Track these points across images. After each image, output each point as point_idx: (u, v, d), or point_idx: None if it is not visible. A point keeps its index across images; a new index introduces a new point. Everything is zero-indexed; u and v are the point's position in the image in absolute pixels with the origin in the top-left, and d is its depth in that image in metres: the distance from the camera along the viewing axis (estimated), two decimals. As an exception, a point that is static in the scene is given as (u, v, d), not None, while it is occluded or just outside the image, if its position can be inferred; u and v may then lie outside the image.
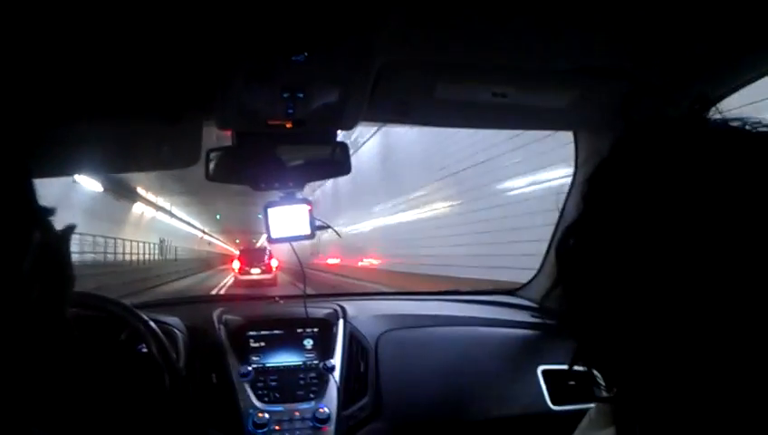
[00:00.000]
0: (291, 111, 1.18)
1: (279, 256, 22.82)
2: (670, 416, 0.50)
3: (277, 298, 1.95)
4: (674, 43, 1.10)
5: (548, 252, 1.87)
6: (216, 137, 1.43)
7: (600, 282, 0.53)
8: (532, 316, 1.83)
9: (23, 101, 1.11)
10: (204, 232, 55.40)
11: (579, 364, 0.64)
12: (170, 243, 37.22)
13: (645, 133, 0.56)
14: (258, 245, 49.05)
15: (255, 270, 21.44)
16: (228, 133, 1.36)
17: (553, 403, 1.54)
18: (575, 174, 1.66)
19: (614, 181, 0.55)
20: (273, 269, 21.77)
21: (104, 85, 1.14)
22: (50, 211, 0.75)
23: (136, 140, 1.37)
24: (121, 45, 1.00)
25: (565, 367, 1.55)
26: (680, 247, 0.47)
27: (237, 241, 65.45)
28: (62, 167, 1.41)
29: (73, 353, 0.86)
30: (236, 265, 22.61)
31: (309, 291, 1.82)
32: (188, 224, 43.99)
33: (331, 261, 18.83)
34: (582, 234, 0.56)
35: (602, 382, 0.60)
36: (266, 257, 22.01)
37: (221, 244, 71.77)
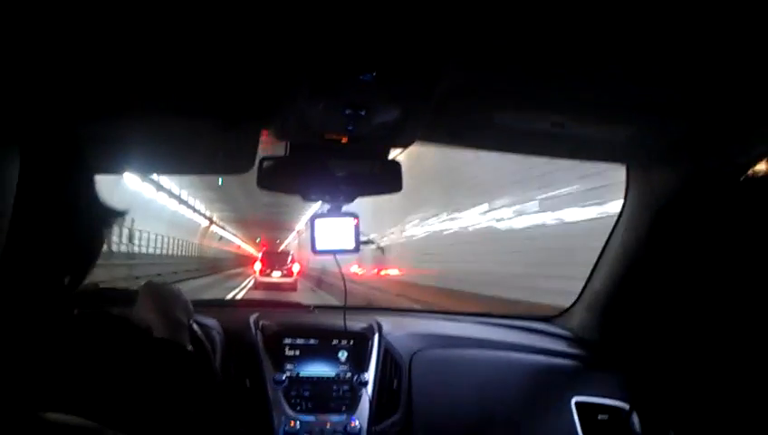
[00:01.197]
0: (350, 127, 1.19)
1: (299, 261, 22.93)
2: None
3: (313, 307, 1.96)
4: (737, 84, 1.09)
5: (588, 281, 1.85)
6: (265, 144, 1.45)
7: (646, 316, 0.53)
8: (568, 346, 1.81)
9: (82, 96, 1.13)
10: (211, 221, 42.50)
11: (619, 400, 0.63)
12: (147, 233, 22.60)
13: (705, 181, 0.56)
14: (281, 248, 48.99)
15: (276, 273, 21.50)
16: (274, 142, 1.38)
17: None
18: (624, 207, 1.64)
19: (671, 223, 0.55)
20: (295, 274, 21.82)
21: (166, 86, 1.16)
22: (121, 212, 0.77)
23: (193, 143, 1.39)
24: (191, 45, 1.02)
25: (600, 401, 1.54)
26: (728, 293, 0.47)
27: (258, 240, 64.57)
28: (113, 164, 1.44)
29: (108, 347, 0.87)
30: (258, 266, 22.70)
31: (328, 299, 1.83)
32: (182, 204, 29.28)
33: (354, 270, 18.77)
34: (634, 268, 0.56)
35: (637, 422, 0.60)
36: (289, 261, 22.08)
37: (239, 242, 69.59)
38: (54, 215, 0.66)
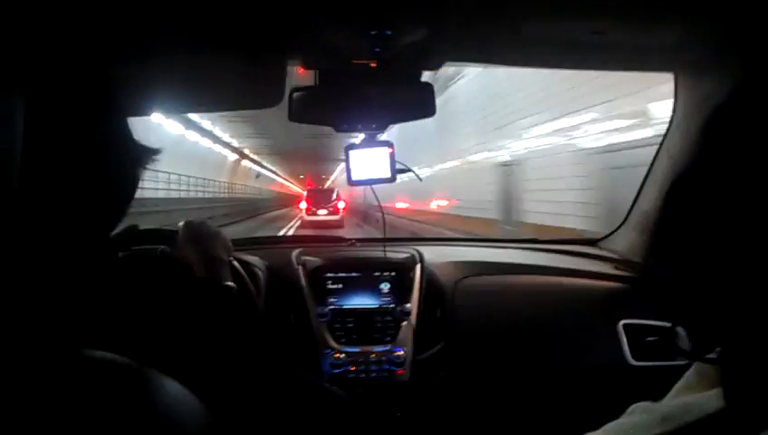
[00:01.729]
0: (377, 49, 1.14)
1: (345, 198, 23.03)
2: None
3: (354, 241, 1.96)
4: None
5: (635, 203, 1.79)
6: (296, 76, 1.42)
7: (718, 234, 0.49)
8: (615, 268, 1.76)
9: (107, 36, 1.11)
10: (242, 155, 37.81)
11: (668, 321, 0.60)
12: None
13: (759, 85, 0.50)
14: (327, 184, 48.95)
15: (322, 211, 21.74)
16: (303, 72, 1.34)
17: (634, 358, 1.50)
18: (673, 117, 1.56)
19: (725, 131, 0.50)
20: (341, 211, 22.02)
21: (186, 20, 1.13)
22: (155, 151, 0.76)
23: (220, 79, 1.36)
24: None
25: (648, 322, 1.50)
26: None
27: (302, 176, 64.94)
28: (142, 105, 1.43)
29: (153, 286, 0.87)
30: (303, 205, 22.96)
31: (373, 233, 1.82)
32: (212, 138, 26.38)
33: (399, 205, 18.76)
34: (688, 182, 0.52)
35: (687, 342, 0.57)
36: (334, 198, 22.24)
37: (281, 180, 70.11)
38: (88, 157, 0.65)
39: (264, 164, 51.65)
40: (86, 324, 0.65)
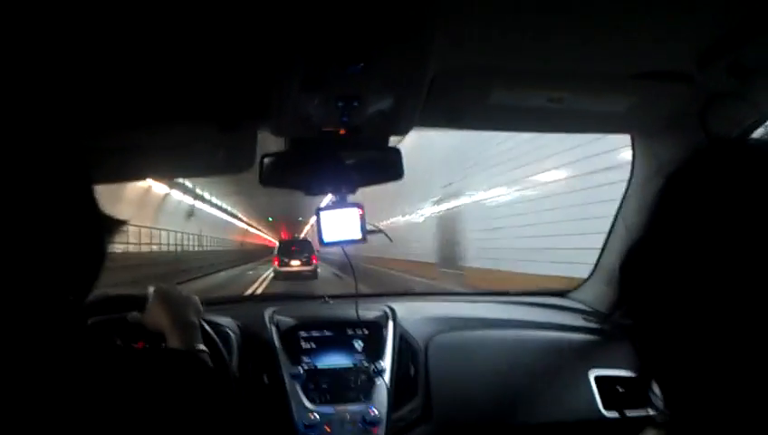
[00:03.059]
0: (345, 118, 1.18)
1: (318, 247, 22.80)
2: None
3: (327, 298, 1.96)
4: (739, 45, 1.06)
5: (601, 255, 1.84)
6: (267, 141, 1.45)
7: (676, 292, 0.52)
8: (585, 320, 1.80)
9: (80, 108, 1.14)
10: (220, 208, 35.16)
11: (637, 372, 0.62)
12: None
13: (728, 148, 0.54)
14: (302, 236, 46.59)
15: (295, 261, 21.46)
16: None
17: (606, 409, 1.52)
18: (631, 177, 1.62)
19: (679, 191, 0.54)
20: (315, 262, 21.77)
21: (162, 93, 1.17)
22: (122, 221, 0.78)
23: (192, 147, 1.39)
24: (178, 53, 1.02)
25: (619, 373, 1.53)
26: (742, 264, 0.45)
27: (270, 219, 60.57)
28: (119, 173, 1.44)
29: (119, 357, 0.87)
30: (275, 255, 22.65)
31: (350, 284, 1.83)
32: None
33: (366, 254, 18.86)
34: (658, 245, 0.55)
35: (658, 394, 0.59)
36: (307, 249, 21.96)
37: (264, 235, 66.87)
38: (54, 228, 0.67)
39: (252, 224, 49.93)
40: (52, 394, 0.65)
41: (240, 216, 45.45)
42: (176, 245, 24.75)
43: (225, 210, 37.90)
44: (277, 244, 24.63)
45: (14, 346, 0.63)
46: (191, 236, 28.56)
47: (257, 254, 49.83)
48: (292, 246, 22.65)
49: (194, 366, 1.09)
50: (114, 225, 0.78)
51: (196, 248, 30.28)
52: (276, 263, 21.69)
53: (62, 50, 0.95)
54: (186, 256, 25.47)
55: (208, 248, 34.61)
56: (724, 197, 0.48)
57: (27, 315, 0.66)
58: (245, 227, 53.67)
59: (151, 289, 1.22)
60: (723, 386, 0.48)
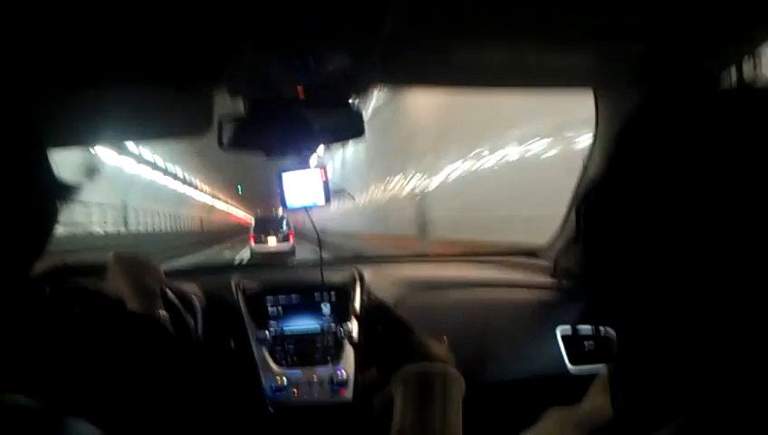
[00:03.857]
0: (302, 78, 1.16)
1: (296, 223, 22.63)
2: (670, 389, 0.49)
3: (293, 263, 1.96)
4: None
5: (568, 213, 1.85)
6: (228, 104, 1.42)
7: (622, 240, 0.52)
8: (553, 278, 1.81)
9: (29, 68, 1.10)
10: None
11: (595, 325, 0.63)
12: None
13: (673, 96, 0.54)
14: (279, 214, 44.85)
15: (272, 238, 21.21)
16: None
17: (572, 364, 1.54)
18: (596, 133, 1.62)
19: (641, 142, 0.53)
20: (292, 238, 21.51)
21: (112, 50, 1.13)
22: (74, 186, 0.75)
23: (147, 108, 1.35)
24: (130, 8, 0.99)
25: (584, 328, 1.55)
26: (703, 213, 0.45)
27: (258, 210, 59.17)
28: (72, 138, 1.40)
29: (80, 325, 0.86)
30: (251, 233, 22.32)
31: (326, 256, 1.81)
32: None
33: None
34: (607, 192, 0.55)
35: (616, 344, 0.59)
36: (284, 225, 21.70)
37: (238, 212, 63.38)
38: (4, 193, 0.65)
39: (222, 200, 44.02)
40: (8, 365, 0.64)
41: (200, 184, 37.15)
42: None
43: (172, 175, 30.48)
44: (252, 221, 24.35)
45: None
46: (106, 211, 21.32)
47: (227, 234, 41.78)
48: (268, 223, 22.35)
49: (152, 330, 1.08)
50: (69, 189, 0.76)
51: (113, 230, 22.10)
52: (252, 240, 21.46)
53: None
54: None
55: (143, 230, 26.78)
56: (693, 148, 0.48)
57: None
58: (207, 200, 45.21)
59: (110, 255, 1.20)
60: (672, 337, 0.49)
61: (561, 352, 1.56)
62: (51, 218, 0.73)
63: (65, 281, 1.22)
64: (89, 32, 1.04)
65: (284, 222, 21.97)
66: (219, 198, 47.79)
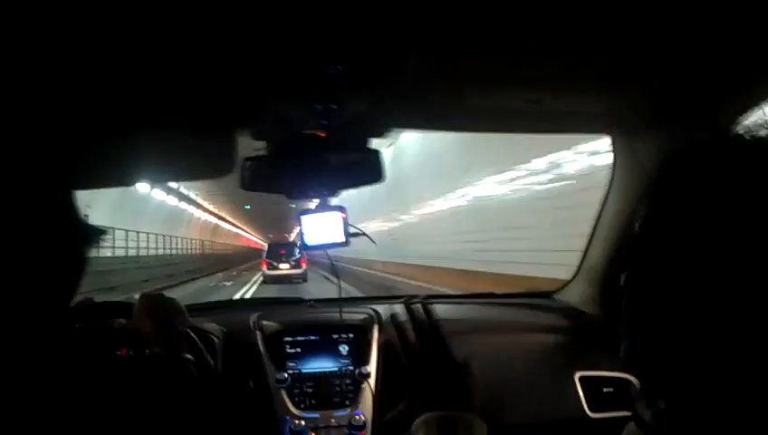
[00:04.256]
0: (324, 121, 1.18)
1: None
2: None
3: (311, 302, 1.96)
4: (713, 43, 1.07)
5: (584, 256, 1.84)
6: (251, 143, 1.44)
7: (650, 285, 0.52)
8: (570, 321, 1.80)
9: (56, 116, 1.13)
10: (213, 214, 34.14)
11: (621, 371, 0.62)
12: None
13: (694, 140, 0.54)
14: (291, 239, 41.28)
15: (284, 265, 21.34)
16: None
17: (590, 410, 1.52)
18: (612, 177, 1.63)
19: (665, 186, 0.53)
20: (304, 264, 21.64)
21: (139, 100, 1.16)
22: (102, 231, 0.77)
23: (172, 152, 1.38)
24: (156, 61, 1.02)
25: (604, 374, 1.53)
26: (732, 258, 0.45)
27: (270, 235, 55.61)
28: (98, 180, 1.43)
29: (102, 364, 0.87)
30: (264, 258, 22.47)
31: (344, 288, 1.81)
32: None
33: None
34: (632, 237, 0.55)
35: (639, 393, 0.59)
36: (296, 252, 21.76)
37: (253, 237, 63.39)
38: (36, 239, 0.66)
39: (241, 227, 45.84)
40: (39, 399, 0.64)
41: (203, 203, 34.64)
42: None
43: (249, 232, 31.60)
44: (266, 246, 24.42)
45: None
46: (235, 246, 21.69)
47: (236, 259, 42.23)
48: (281, 249, 22.41)
49: (177, 374, 1.09)
50: (95, 233, 0.77)
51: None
52: (265, 266, 21.57)
53: (41, 58, 0.95)
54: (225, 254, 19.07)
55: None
56: (716, 192, 0.48)
57: (9, 322, 0.65)
58: (250, 236, 47.41)
59: (137, 296, 1.21)
60: (705, 386, 0.48)
61: (579, 396, 1.54)
62: (79, 260, 0.75)
63: (91, 319, 1.24)
64: (119, 81, 1.07)
65: (297, 248, 22.02)
66: (227, 220, 46.75)
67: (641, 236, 0.54)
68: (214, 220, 38.91)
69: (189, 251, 33.32)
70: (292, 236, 50.03)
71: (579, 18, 0.96)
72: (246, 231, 58.86)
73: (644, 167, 1.44)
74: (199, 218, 33.99)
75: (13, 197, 0.63)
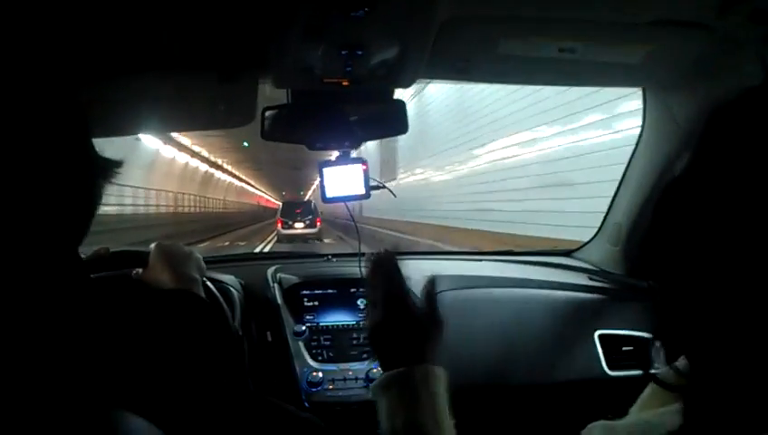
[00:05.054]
0: (348, 68, 1.14)
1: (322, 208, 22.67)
2: (748, 398, 0.46)
3: (330, 256, 1.95)
4: None
5: (608, 214, 1.81)
6: (270, 93, 1.41)
7: (682, 243, 0.49)
8: (590, 279, 1.78)
9: (76, 57, 1.10)
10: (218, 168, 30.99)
11: (641, 330, 0.60)
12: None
13: (732, 94, 0.51)
14: (306, 198, 40.01)
15: (299, 224, 21.44)
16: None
17: (610, 369, 1.51)
18: (642, 133, 1.58)
19: (702, 141, 0.50)
20: (319, 223, 21.73)
21: (159, 42, 1.13)
22: (118, 163, 0.75)
23: (191, 99, 1.36)
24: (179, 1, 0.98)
25: (624, 332, 1.52)
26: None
27: (284, 193, 54.76)
28: (118, 126, 1.42)
29: (124, 311, 0.86)
30: (279, 217, 22.56)
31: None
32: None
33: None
34: (673, 196, 0.52)
35: (660, 352, 0.57)
36: (312, 210, 21.87)
37: (266, 195, 61.20)
38: (47, 169, 0.65)
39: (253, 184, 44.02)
40: (58, 349, 0.64)
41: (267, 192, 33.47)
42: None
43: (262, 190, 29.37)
44: (280, 205, 24.42)
45: (17, 294, 0.61)
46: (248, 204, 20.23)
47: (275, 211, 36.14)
48: (296, 208, 22.50)
49: (196, 308, 1.07)
50: (111, 166, 0.76)
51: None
52: (280, 225, 21.67)
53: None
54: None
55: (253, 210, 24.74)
56: (745, 152, 0.45)
57: (28, 263, 0.64)
58: (263, 195, 45.14)
59: (152, 245, 1.20)
60: (731, 348, 0.46)
61: (598, 355, 1.53)
62: (95, 195, 0.73)
63: (108, 269, 1.23)
64: (134, 21, 1.04)
65: (311, 206, 22.12)
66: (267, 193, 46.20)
67: (676, 193, 0.52)
68: (229, 179, 37.75)
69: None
70: (308, 195, 49.82)
71: None
72: (260, 189, 57.41)
73: (677, 123, 1.39)
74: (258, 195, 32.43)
75: (26, 126, 0.62)
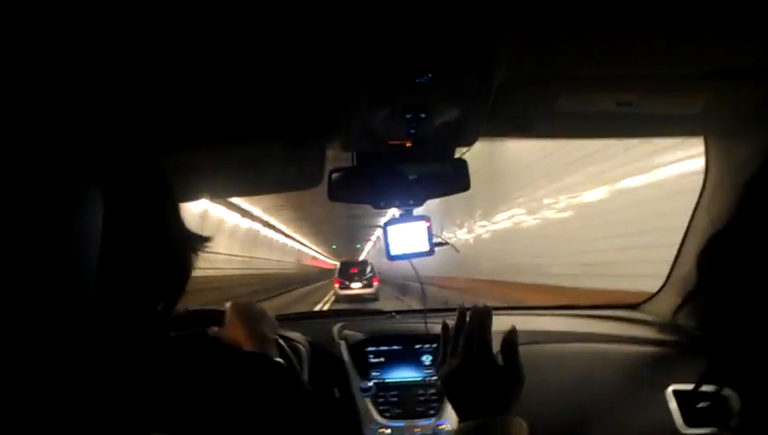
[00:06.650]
0: (412, 130, 1.19)
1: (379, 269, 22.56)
2: None
3: (394, 313, 1.97)
4: None
5: (674, 265, 1.77)
6: (332, 153, 1.47)
7: (751, 293, 0.50)
8: (660, 332, 1.74)
9: (156, 127, 1.19)
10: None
11: (717, 385, 0.59)
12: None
13: None
14: (361, 258, 40.55)
15: (356, 284, 21.42)
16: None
17: (686, 425, 1.46)
18: (705, 182, 1.57)
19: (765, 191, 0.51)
20: (376, 284, 21.63)
21: (233, 112, 1.21)
22: (207, 238, 0.80)
23: (262, 164, 1.43)
24: (249, 74, 1.06)
25: (701, 388, 1.46)
26: None
27: (334, 247, 55.18)
28: (193, 192, 1.49)
29: (205, 365, 0.89)
30: (336, 278, 22.59)
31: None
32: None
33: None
34: (731, 244, 0.53)
35: (738, 406, 0.56)
36: (368, 271, 21.84)
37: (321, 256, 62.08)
38: (145, 247, 0.70)
39: (309, 246, 44.80)
40: (145, 406, 0.67)
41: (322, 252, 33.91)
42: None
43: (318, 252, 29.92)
44: (338, 265, 24.52)
45: (102, 353, 0.65)
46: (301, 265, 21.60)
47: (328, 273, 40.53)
48: (353, 268, 22.49)
49: (273, 372, 1.10)
50: (200, 240, 0.81)
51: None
52: (337, 285, 21.71)
53: (141, 72, 1.00)
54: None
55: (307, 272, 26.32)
56: None
57: (117, 324, 0.68)
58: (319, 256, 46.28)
59: (228, 304, 1.25)
60: None
61: (672, 412, 1.48)
62: (187, 267, 0.78)
63: (186, 328, 1.28)
64: (211, 92, 1.12)
65: (369, 267, 22.11)
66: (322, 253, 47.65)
67: (742, 244, 0.52)
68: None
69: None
70: (363, 255, 49.89)
71: (676, 18, 0.94)
72: (316, 251, 58.38)
73: (741, 170, 1.38)
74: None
75: (121, 205, 0.67)
